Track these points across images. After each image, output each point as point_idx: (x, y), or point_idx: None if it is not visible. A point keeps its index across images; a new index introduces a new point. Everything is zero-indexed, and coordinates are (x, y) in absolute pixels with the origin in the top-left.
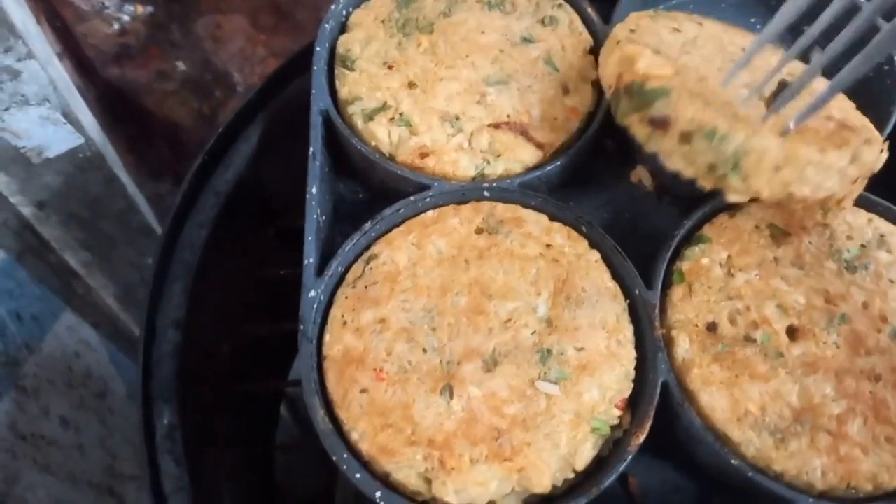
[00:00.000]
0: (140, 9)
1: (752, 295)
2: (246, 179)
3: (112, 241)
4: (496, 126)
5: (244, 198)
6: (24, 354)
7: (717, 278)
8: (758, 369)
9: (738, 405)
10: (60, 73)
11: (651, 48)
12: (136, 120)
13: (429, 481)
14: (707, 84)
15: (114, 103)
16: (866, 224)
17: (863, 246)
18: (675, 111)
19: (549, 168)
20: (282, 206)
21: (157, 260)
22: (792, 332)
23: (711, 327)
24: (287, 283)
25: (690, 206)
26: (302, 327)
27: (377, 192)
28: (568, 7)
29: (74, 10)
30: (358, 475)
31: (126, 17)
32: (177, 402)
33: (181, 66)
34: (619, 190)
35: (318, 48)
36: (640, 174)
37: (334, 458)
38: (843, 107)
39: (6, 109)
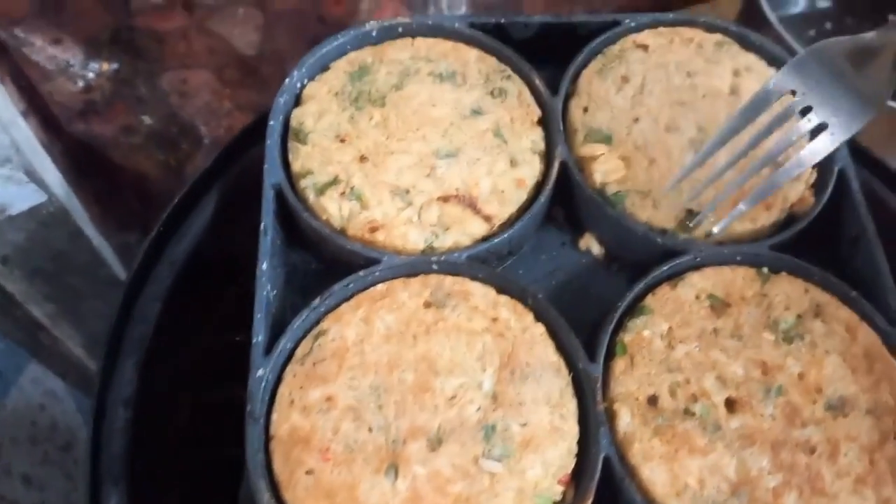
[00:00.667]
0: (105, 66)
1: (691, 367)
2: (203, 248)
3: (78, 293)
4: (445, 199)
5: (202, 266)
6: None
7: (658, 350)
8: (696, 443)
9: (678, 479)
10: (24, 133)
11: (605, 126)
12: (103, 174)
13: None
14: (657, 170)
15: (80, 158)
16: (803, 294)
17: (799, 316)
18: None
19: (496, 241)
20: (244, 267)
21: (109, 336)
22: (730, 404)
23: (652, 400)
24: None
25: (639, 273)
26: (249, 407)
27: (330, 263)
28: (517, 78)
29: (39, 70)
30: None
31: (91, 74)
32: (125, 483)
33: (147, 120)
34: (567, 257)
35: (271, 122)
36: (588, 242)
37: None
38: None
39: None
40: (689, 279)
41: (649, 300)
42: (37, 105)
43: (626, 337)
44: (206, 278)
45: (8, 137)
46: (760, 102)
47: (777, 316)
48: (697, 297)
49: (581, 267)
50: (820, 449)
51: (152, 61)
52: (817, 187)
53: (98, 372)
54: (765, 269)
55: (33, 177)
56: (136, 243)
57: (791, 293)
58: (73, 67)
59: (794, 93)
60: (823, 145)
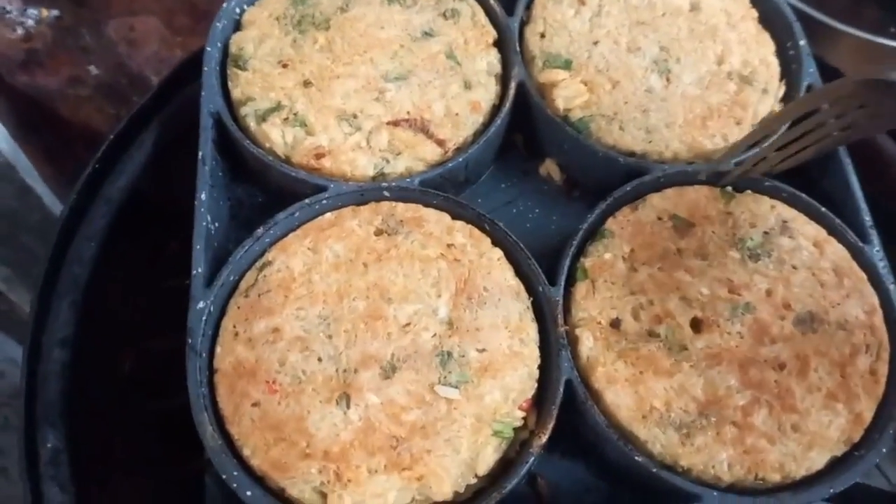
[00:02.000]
0: (45, 13)
1: (654, 289)
2: (142, 188)
3: (32, 254)
4: (395, 123)
5: (141, 208)
6: None
7: (620, 273)
8: (661, 364)
9: (643, 402)
10: None
11: (563, 51)
12: (52, 129)
13: (324, 496)
14: (620, 92)
15: (26, 112)
16: (769, 211)
17: (766, 233)
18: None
19: (451, 165)
20: (186, 214)
21: (43, 275)
22: (696, 325)
23: (615, 324)
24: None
25: (599, 199)
26: (190, 340)
27: (275, 195)
28: None
29: None
30: (249, 493)
31: (30, 22)
32: (63, 426)
33: (94, 70)
34: (527, 185)
35: (208, 48)
36: (549, 168)
37: (224, 477)
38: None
39: None
40: (651, 200)
41: (610, 223)
42: None
43: (587, 261)
44: (148, 223)
45: None
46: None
47: (743, 234)
48: (660, 218)
49: (541, 194)
50: (790, 365)
51: (96, 8)
52: (786, 102)
53: (32, 312)
54: (728, 188)
55: None
56: None
57: (756, 211)
58: (11, 14)
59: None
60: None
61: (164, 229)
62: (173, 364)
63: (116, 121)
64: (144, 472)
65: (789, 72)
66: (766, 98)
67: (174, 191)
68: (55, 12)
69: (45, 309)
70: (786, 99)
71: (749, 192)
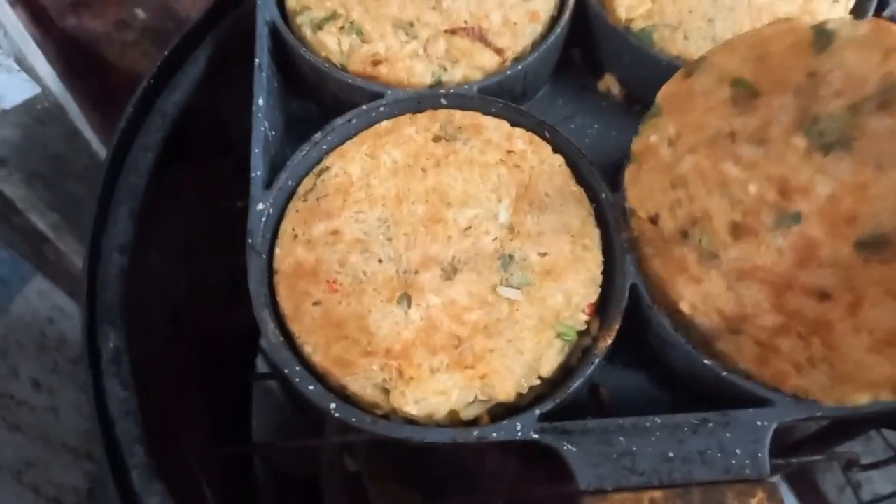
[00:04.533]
0: None
1: (696, 182)
2: (197, 104)
3: (79, 201)
4: (453, 32)
5: (196, 124)
6: None
7: (664, 161)
8: (690, 270)
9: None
10: (11, 19)
11: None
12: (97, 73)
13: (387, 392)
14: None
15: (73, 56)
16: (874, 67)
17: (852, 107)
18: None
19: (509, 73)
20: (240, 137)
21: (102, 183)
22: (735, 230)
23: (653, 219)
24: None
25: None
26: (250, 241)
27: (330, 107)
28: None
29: None
30: (311, 387)
31: None
32: (124, 327)
33: (141, 14)
34: (585, 101)
35: None
36: (608, 83)
37: (285, 372)
38: None
39: None
40: (713, 58)
41: (661, 94)
42: None
43: (635, 142)
44: (203, 141)
45: None
46: None
47: (819, 109)
48: (719, 83)
49: (600, 110)
50: (837, 298)
51: None
52: (857, 12)
53: (92, 218)
54: (830, 27)
55: (24, 66)
56: None
57: (856, 67)
58: None
59: None
60: None
61: (215, 148)
62: (224, 281)
63: None
64: (198, 380)
65: None
66: (837, 7)
67: (226, 109)
68: None
69: (103, 215)
70: (856, 10)
71: (861, 35)
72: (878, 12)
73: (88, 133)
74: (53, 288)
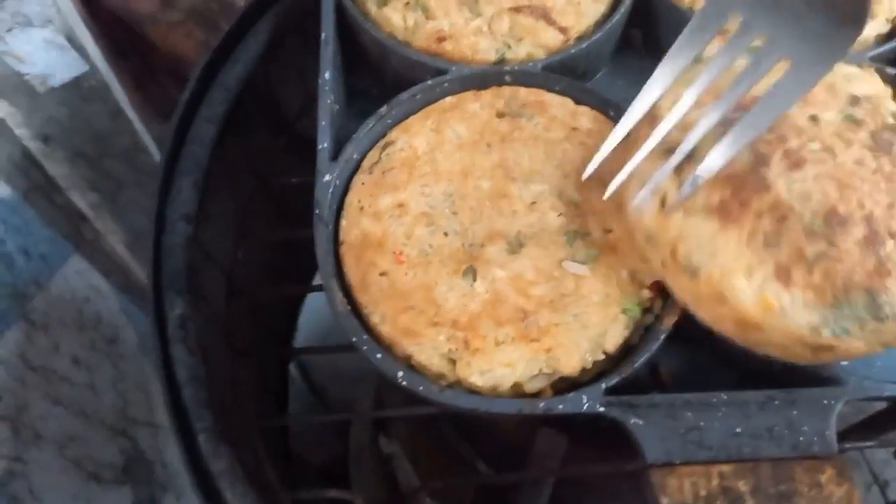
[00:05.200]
0: None
1: None
2: (255, 78)
3: (119, 181)
4: (517, 10)
5: (255, 98)
6: (32, 290)
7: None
8: None
9: None
10: None
11: None
12: (141, 54)
13: (453, 362)
14: None
15: (117, 36)
16: None
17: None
18: None
19: (573, 51)
20: (293, 116)
21: (167, 153)
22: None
23: None
24: (299, 190)
25: None
26: (317, 211)
27: (391, 85)
28: None
29: None
30: (379, 355)
31: None
32: (189, 294)
33: None
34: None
35: None
36: None
37: (353, 340)
38: None
39: (8, 31)
40: None
41: None
42: None
43: None
44: (259, 116)
45: None
46: (695, 37)
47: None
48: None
49: None
50: None
51: None
52: None
53: (157, 188)
54: None
55: (74, 44)
56: None
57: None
58: None
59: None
60: (790, 87)
61: (270, 125)
62: (276, 257)
63: (205, 48)
64: (246, 353)
65: None
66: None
67: (281, 87)
68: None
69: (167, 184)
70: None
71: None
72: None
73: (131, 113)
74: (90, 268)
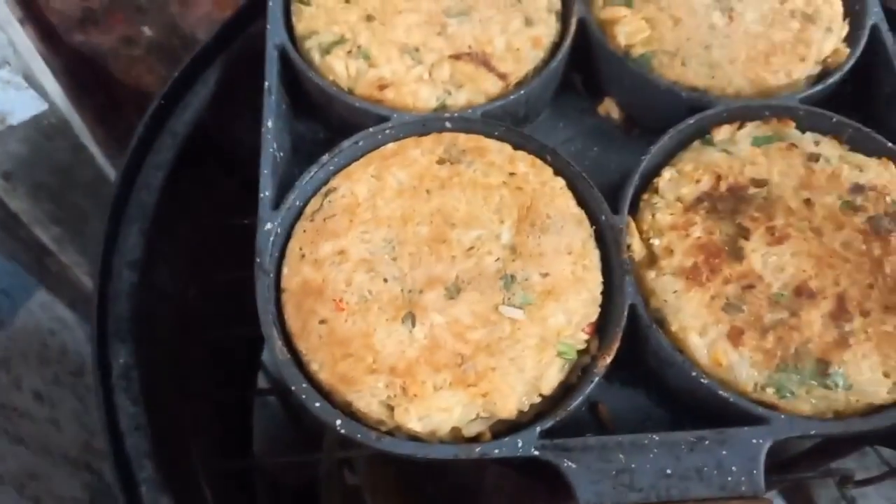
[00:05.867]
0: None
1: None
2: (206, 123)
3: (83, 213)
4: (457, 57)
5: (205, 143)
6: None
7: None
8: None
9: None
10: (21, 37)
11: None
12: (103, 88)
13: (391, 409)
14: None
15: (80, 71)
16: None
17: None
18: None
19: (512, 98)
20: (247, 156)
21: (113, 200)
22: None
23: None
24: (253, 231)
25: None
26: (258, 259)
27: (337, 129)
28: None
29: None
30: (317, 404)
31: None
32: (133, 343)
33: (147, 31)
34: (586, 124)
35: None
36: (608, 107)
37: (293, 389)
38: None
39: None
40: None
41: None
42: (34, 14)
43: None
44: (211, 160)
45: (5, 36)
46: None
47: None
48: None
49: (600, 133)
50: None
51: None
52: (850, 42)
53: (103, 234)
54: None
55: (32, 82)
56: None
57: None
58: None
59: None
60: None
61: (223, 167)
62: (232, 296)
63: (167, 81)
64: (201, 395)
65: (853, 12)
66: (831, 36)
67: (234, 130)
68: None
69: (114, 232)
70: (850, 38)
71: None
72: (872, 50)
73: (93, 147)
74: (55, 300)
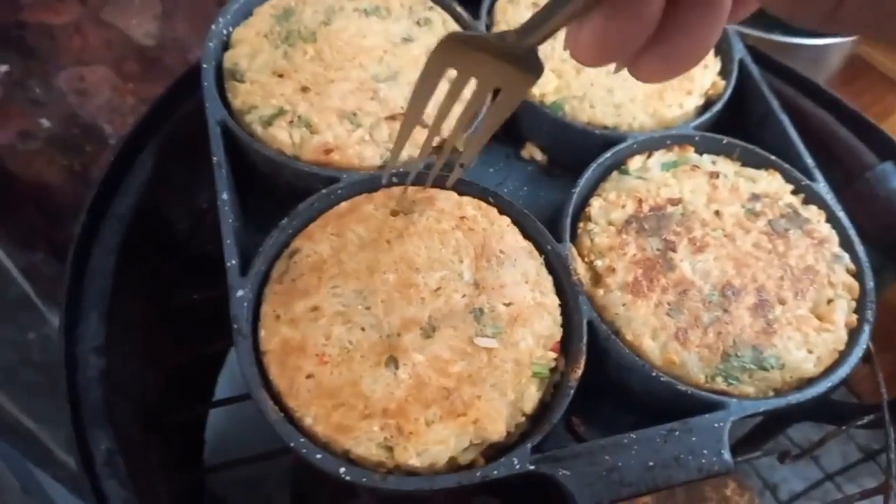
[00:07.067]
0: None
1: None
2: (146, 207)
3: None
4: (392, 118)
5: (146, 226)
6: None
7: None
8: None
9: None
10: None
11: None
12: (1, 186)
13: (390, 449)
14: (585, 75)
15: None
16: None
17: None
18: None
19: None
20: (184, 237)
21: (67, 290)
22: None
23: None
24: (200, 308)
25: (578, 174)
26: (236, 326)
27: (285, 198)
28: (438, 8)
29: None
30: (318, 456)
31: None
32: (111, 428)
33: (46, 123)
34: (513, 168)
35: (204, 65)
36: (531, 150)
37: (292, 445)
38: None
39: None
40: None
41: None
42: None
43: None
44: (152, 242)
45: None
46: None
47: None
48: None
49: (527, 174)
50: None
51: (45, 60)
52: (724, 74)
53: (61, 327)
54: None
55: None
56: (42, 262)
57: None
58: None
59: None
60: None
61: (167, 248)
62: (192, 377)
63: (69, 173)
64: (172, 475)
65: (721, 49)
66: (708, 72)
67: (173, 213)
68: (4, 67)
69: (73, 321)
70: (724, 72)
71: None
72: (742, 81)
73: None
74: None
